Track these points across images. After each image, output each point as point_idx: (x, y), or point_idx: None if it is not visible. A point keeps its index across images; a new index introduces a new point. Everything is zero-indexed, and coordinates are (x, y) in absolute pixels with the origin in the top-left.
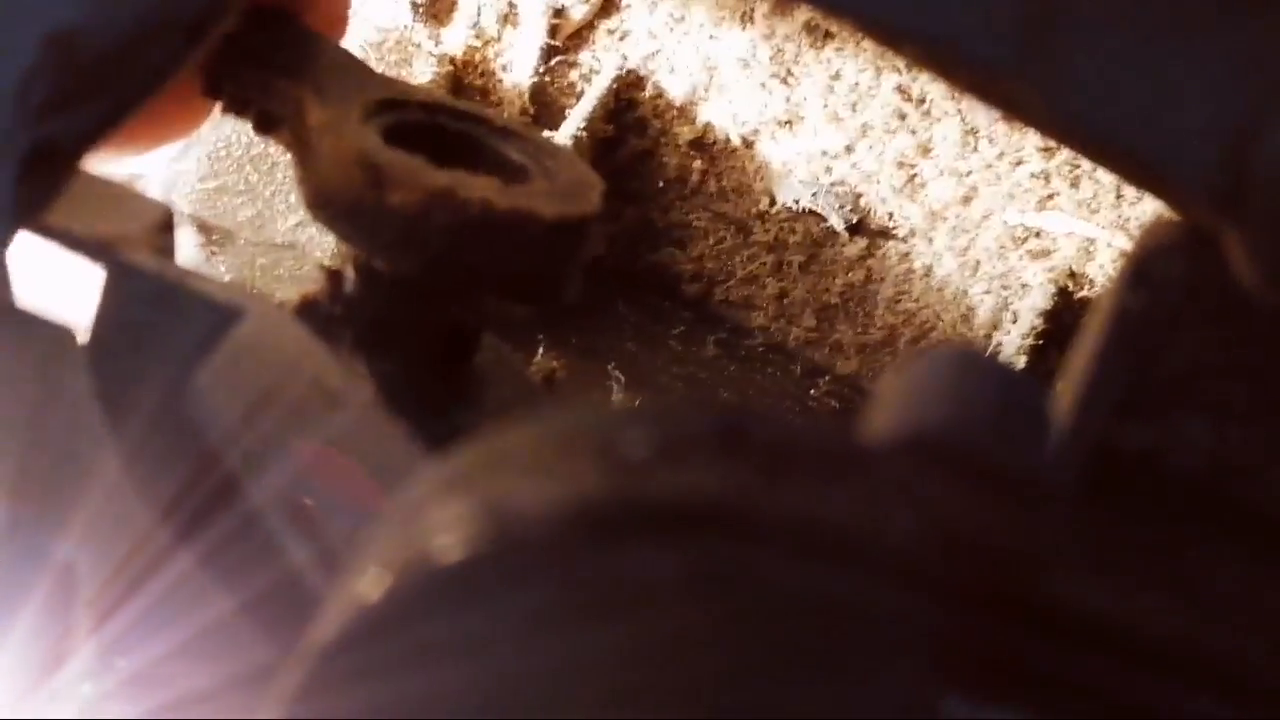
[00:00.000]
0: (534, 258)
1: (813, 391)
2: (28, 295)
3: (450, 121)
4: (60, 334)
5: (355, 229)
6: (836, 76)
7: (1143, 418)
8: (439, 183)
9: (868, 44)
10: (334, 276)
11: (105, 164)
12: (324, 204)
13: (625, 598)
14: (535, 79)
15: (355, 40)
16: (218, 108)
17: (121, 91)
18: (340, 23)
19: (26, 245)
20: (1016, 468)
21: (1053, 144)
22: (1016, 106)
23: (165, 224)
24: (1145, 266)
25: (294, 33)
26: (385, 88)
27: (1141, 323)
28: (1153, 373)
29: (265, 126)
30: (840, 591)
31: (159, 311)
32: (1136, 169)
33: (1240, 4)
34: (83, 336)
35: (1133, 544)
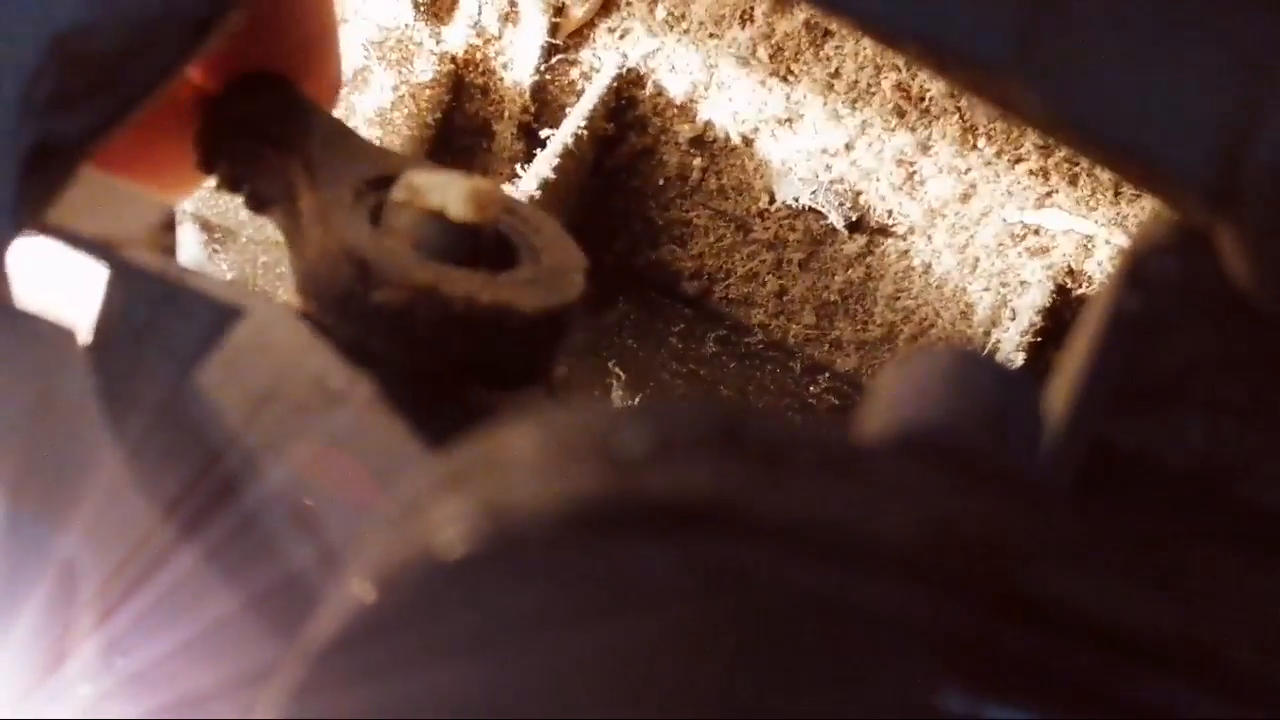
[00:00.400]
0: (516, 349)
1: (812, 388)
2: (29, 295)
3: None
4: (61, 334)
5: (342, 319)
6: (836, 74)
7: (1138, 415)
8: (424, 279)
9: (867, 42)
10: None
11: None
12: (313, 292)
13: (623, 596)
14: (536, 77)
15: (357, 39)
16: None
17: (125, 90)
18: (333, 92)
19: (29, 244)
20: (1012, 466)
21: (1051, 142)
22: (1013, 105)
23: (167, 223)
24: (1140, 266)
25: (287, 102)
26: (377, 163)
27: (1136, 322)
28: (1148, 371)
29: (258, 206)
30: (837, 589)
31: (161, 310)
32: (1132, 166)
33: (1237, 1)
34: (84, 336)
35: (1127, 541)
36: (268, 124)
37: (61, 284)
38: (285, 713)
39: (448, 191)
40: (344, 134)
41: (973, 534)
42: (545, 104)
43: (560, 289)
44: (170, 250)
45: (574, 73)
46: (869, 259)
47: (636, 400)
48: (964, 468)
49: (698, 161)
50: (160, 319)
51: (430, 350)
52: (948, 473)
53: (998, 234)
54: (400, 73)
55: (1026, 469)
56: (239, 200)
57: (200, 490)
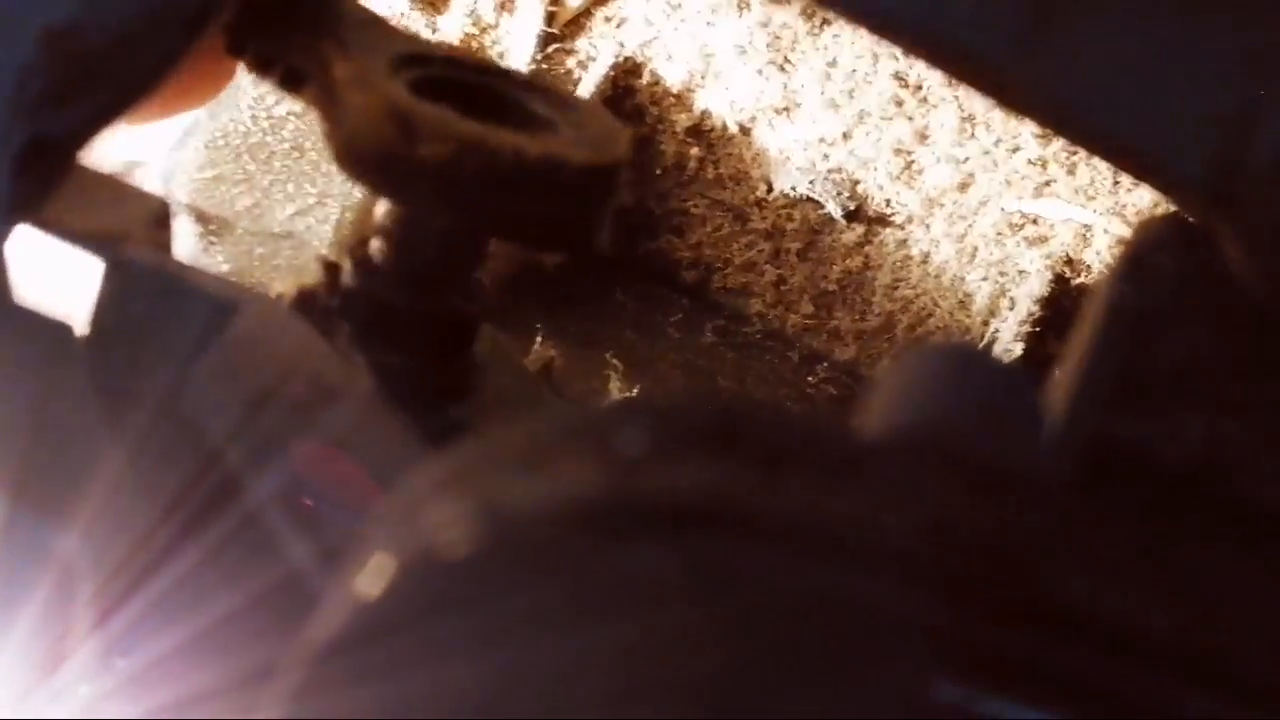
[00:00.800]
0: (565, 205)
1: (810, 379)
2: (26, 290)
3: (474, 77)
4: (59, 329)
5: (386, 181)
6: (833, 63)
7: (1137, 410)
8: (469, 133)
9: (865, 32)
10: (331, 268)
11: (133, 127)
12: (355, 157)
13: (623, 595)
14: (532, 66)
15: None
16: (241, 68)
17: (119, 86)
18: None
19: (24, 240)
20: (1011, 464)
21: (1050, 131)
22: (1011, 98)
23: (163, 217)
24: (1139, 261)
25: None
26: (409, 43)
27: (1135, 317)
28: (1147, 366)
29: (291, 84)
30: (836, 587)
31: (157, 306)
32: (1132, 162)
33: (1237, 1)
34: (81, 331)
35: (1126, 539)
36: (298, 10)
37: (58, 279)
38: (286, 713)
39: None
40: (373, 17)
41: (971, 534)
42: None
43: (607, 148)
44: (166, 245)
45: (570, 62)
46: (867, 248)
47: (634, 390)
48: (963, 467)
49: (695, 151)
50: (157, 314)
51: (476, 209)
52: (946, 472)
53: (996, 223)
54: None
55: (1025, 466)
56: (235, 191)
57: (200, 488)
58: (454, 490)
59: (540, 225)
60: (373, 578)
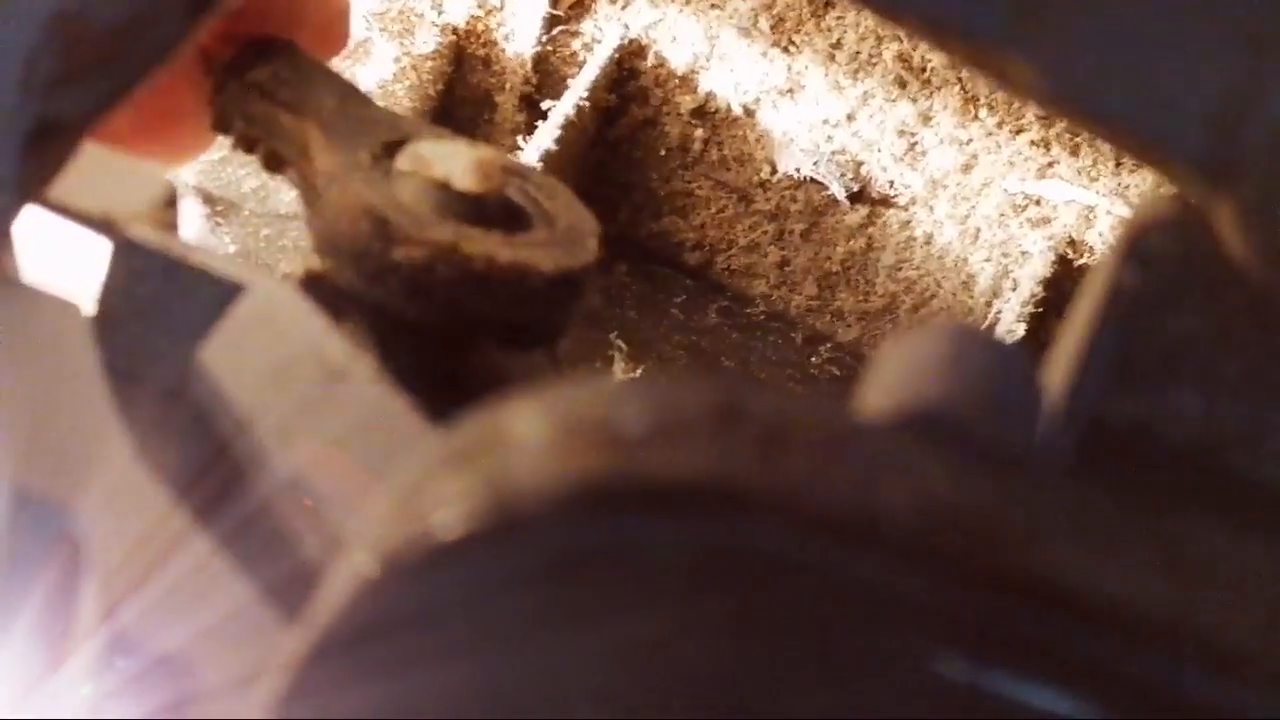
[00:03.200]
0: (534, 308)
1: (814, 359)
2: (34, 271)
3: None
4: (66, 309)
5: (361, 277)
6: (838, 45)
7: (1135, 390)
8: (443, 237)
9: (868, 13)
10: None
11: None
12: (331, 251)
13: (624, 574)
14: (537, 48)
15: (359, 11)
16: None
17: (126, 68)
18: (340, 40)
19: (31, 220)
20: (1010, 443)
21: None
22: (1011, 79)
23: (169, 198)
24: (1138, 242)
25: (301, 65)
26: (391, 128)
27: (1135, 299)
28: (1145, 346)
29: (273, 166)
30: (835, 567)
31: (164, 287)
32: (1131, 141)
33: None
34: (88, 312)
35: (1124, 518)
36: (282, 88)
37: (65, 260)
38: (287, 697)
39: (452, 162)
40: (358, 98)
41: (969, 512)
42: (547, 75)
43: (576, 251)
44: (172, 225)
45: (575, 44)
46: (870, 230)
47: (638, 371)
48: (961, 446)
49: (699, 132)
50: (163, 295)
51: (448, 310)
52: (945, 451)
53: (999, 205)
54: (401, 44)
55: (1023, 445)
56: (242, 173)
57: (209, 473)
58: (456, 469)
59: (508, 327)
60: (375, 557)
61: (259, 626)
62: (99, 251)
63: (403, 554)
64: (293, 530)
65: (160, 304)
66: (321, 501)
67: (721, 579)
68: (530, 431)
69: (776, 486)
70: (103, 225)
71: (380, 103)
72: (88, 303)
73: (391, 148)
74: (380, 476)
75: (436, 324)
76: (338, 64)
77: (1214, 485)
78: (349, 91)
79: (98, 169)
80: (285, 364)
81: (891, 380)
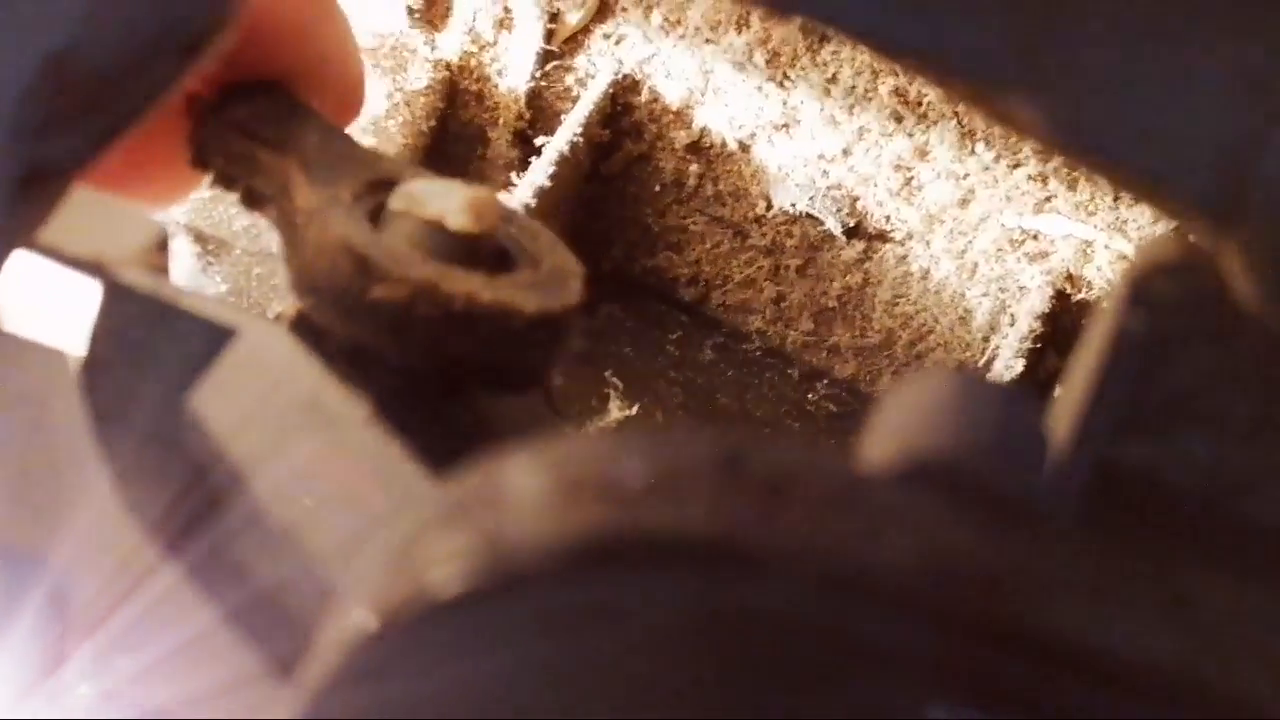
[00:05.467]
0: (515, 350)
1: (810, 395)
2: (21, 316)
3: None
4: (54, 355)
5: (340, 316)
6: (833, 80)
7: (1142, 435)
8: (424, 276)
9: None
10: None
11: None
12: (309, 290)
13: (624, 631)
14: (531, 84)
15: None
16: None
17: (118, 111)
18: (355, 105)
19: (20, 264)
20: (1014, 493)
21: None
22: (1013, 119)
23: (160, 241)
24: (1144, 285)
25: (283, 105)
26: (373, 167)
27: (1141, 342)
28: (1152, 390)
29: (252, 203)
30: (837, 622)
31: (153, 331)
32: (1135, 183)
33: (1243, 16)
34: (76, 357)
35: (1131, 569)
36: (263, 126)
37: (53, 304)
38: None
39: (446, 201)
40: (340, 138)
41: (972, 566)
42: (540, 111)
43: (560, 293)
44: (162, 269)
45: (569, 79)
46: (867, 265)
47: (634, 408)
48: (966, 497)
49: (694, 168)
50: (153, 339)
51: (428, 351)
52: (949, 503)
53: (996, 239)
54: (394, 80)
55: (1030, 495)
56: (233, 212)
57: (188, 512)
58: (453, 525)
59: (491, 369)
60: (372, 614)
61: (245, 678)
62: (89, 295)
63: (400, 610)
64: (283, 579)
65: (151, 348)
66: (321, 501)
67: (721, 634)
68: (527, 485)
69: (777, 542)
70: (93, 268)
71: (373, 138)
72: (76, 347)
73: (374, 187)
74: (375, 524)
75: (418, 366)
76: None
77: (1223, 531)
78: (331, 130)
79: (87, 212)
80: (278, 410)
81: (894, 429)
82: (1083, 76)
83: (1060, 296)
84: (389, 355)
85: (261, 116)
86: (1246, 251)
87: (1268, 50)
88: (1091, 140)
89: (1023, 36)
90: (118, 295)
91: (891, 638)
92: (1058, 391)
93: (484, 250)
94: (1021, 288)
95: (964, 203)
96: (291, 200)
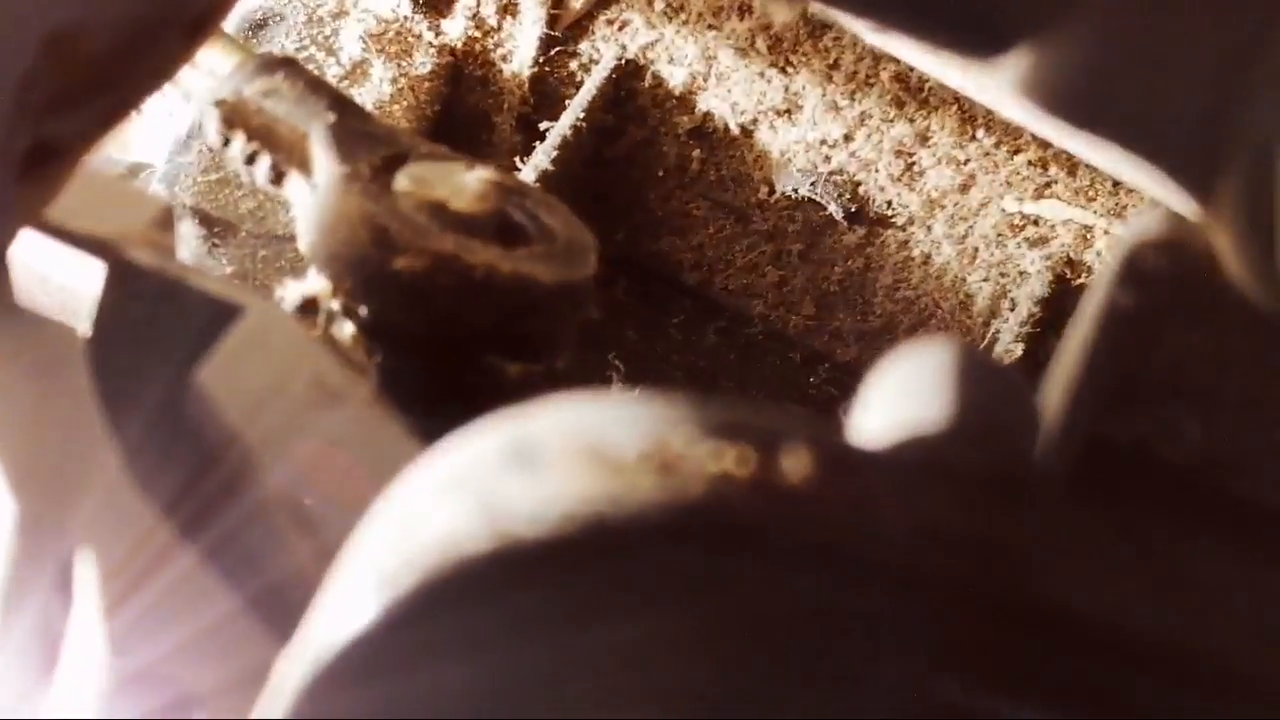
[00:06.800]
0: (535, 320)
1: (812, 379)
2: (29, 293)
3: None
4: (62, 332)
5: (360, 287)
6: (835, 65)
7: (1133, 411)
8: (445, 247)
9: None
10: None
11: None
12: (329, 261)
13: (621, 601)
14: (535, 69)
15: (356, 31)
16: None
17: (120, 90)
18: None
19: (29, 243)
20: (1007, 465)
21: None
22: (1006, 100)
23: (166, 221)
24: (1134, 261)
25: (301, 80)
26: (391, 142)
27: (1131, 317)
28: (1142, 366)
29: (275, 179)
30: (832, 593)
31: (159, 308)
32: (1124, 158)
33: (1224, 4)
34: (83, 334)
35: (1124, 542)
36: (281, 100)
37: (61, 282)
38: (290, 713)
39: (451, 183)
40: (357, 112)
41: (966, 538)
42: (544, 96)
43: (576, 264)
44: (169, 248)
45: (573, 64)
46: (868, 250)
47: (636, 392)
48: (959, 471)
49: (697, 153)
50: (159, 317)
51: (447, 321)
52: (942, 476)
53: (997, 224)
54: (399, 65)
55: (1022, 468)
56: (239, 194)
57: (200, 490)
58: (451, 492)
59: (508, 338)
60: (371, 578)
61: (249, 641)
62: (95, 273)
63: (399, 578)
64: (283, 548)
65: (156, 326)
66: (321, 501)
67: (715, 605)
68: (525, 453)
69: (771, 516)
70: (99, 247)
71: (380, 119)
72: (83, 325)
73: (391, 162)
74: (375, 499)
75: (435, 336)
76: (340, 83)
77: (1213, 506)
78: (348, 106)
79: (93, 191)
80: (281, 387)
81: (887, 403)
82: (1065, 57)
83: (1060, 281)
84: (409, 325)
85: (279, 92)
86: (1230, 225)
87: (1243, 27)
88: (1076, 119)
89: (1008, 21)
90: (123, 273)
91: (888, 610)
92: (1051, 368)
93: (491, 227)
94: (1022, 273)
95: (964, 188)
96: (311, 175)
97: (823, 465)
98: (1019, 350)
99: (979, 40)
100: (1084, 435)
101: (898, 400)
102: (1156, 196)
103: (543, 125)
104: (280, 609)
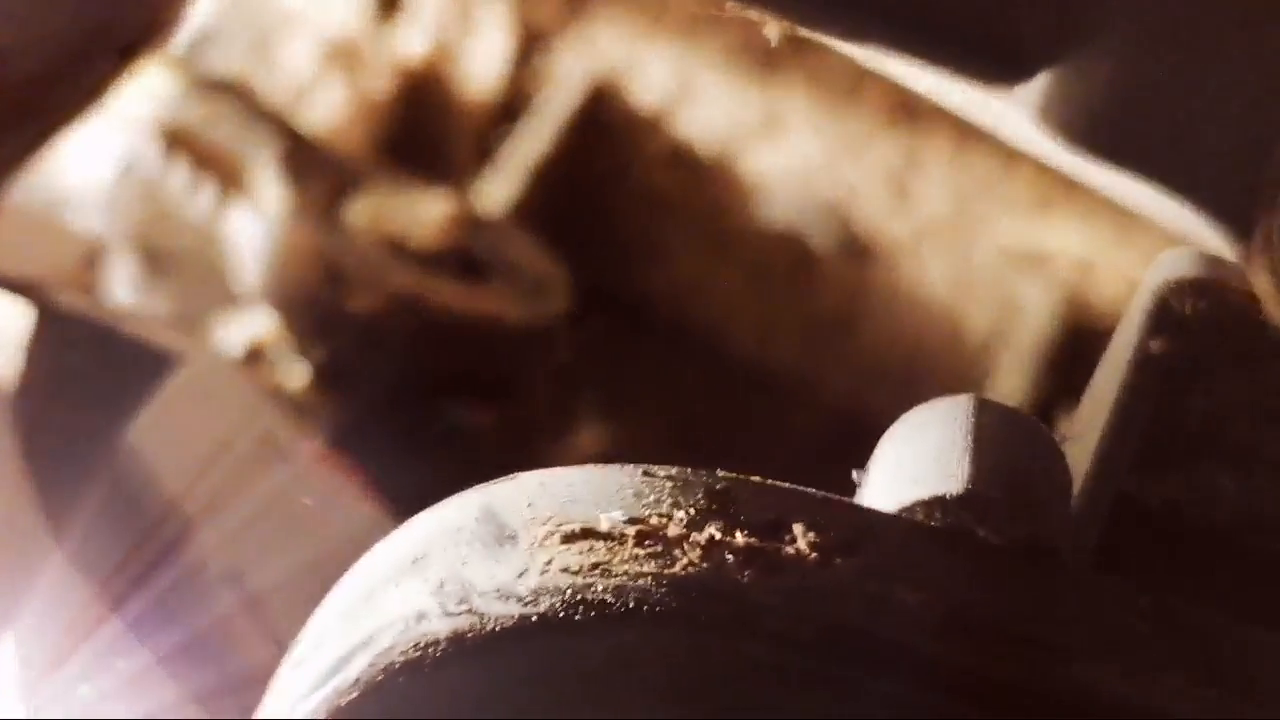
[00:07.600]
0: (500, 363)
1: (795, 417)
2: None
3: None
4: None
5: (311, 329)
6: (819, 83)
7: (1166, 468)
8: (403, 285)
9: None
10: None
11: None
12: (278, 299)
13: (598, 688)
14: (498, 89)
15: (305, 50)
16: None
17: (48, 115)
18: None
19: None
20: (1035, 533)
21: None
22: (1019, 127)
23: (96, 257)
24: (1167, 304)
25: (245, 107)
26: (344, 170)
27: (1165, 367)
28: (1175, 421)
29: (219, 211)
30: (842, 684)
31: (91, 357)
32: (1154, 192)
33: (1263, 27)
34: (7, 384)
35: (1156, 617)
36: (227, 126)
37: None
38: None
39: (408, 215)
40: (308, 138)
41: (990, 621)
42: (509, 115)
43: (544, 301)
44: (98, 288)
45: (540, 82)
46: (856, 280)
47: (611, 429)
48: (982, 539)
49: (673, 177)
50: (88, 366)
51: (407, 366)
52: (963, 546)
53: (993, 252)
54: (352, 85)
55: (1050, 536)
56: (179, 226)
57: (138, 559)
58: (411, 572)
59: (474, 384)
60: (329, 663)
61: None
62: (19, 319)
63: (360, 663)
64: (225, 619)
65: (86, 376)
66: (320, 501)
67: (710, 694)
68: (488, 531)
69: (775, 596)
70: (26, 289)
71: (332, 144)
72: (7, 375)
73: (344, 191)
74: (322, 558)
75: (394, 382)
76: (288, 105)
77: (1250, 564)
78: (303, 137)
79: (17, 227)
80: (224, 442)
81: (897, 465)
82: (1098, 90)
83: (1059, 311)
84: (365, 371)
85: (224, 117)
86: (1273, 263)
87: None
88: (1112, 151)
89: (1035, 52)
90: (49, 318)
91: (906, 697)
92: (1070, 421)
93: (453, 261)
94: (1018, 302)
95: (958, 213)
96: (260, 204)
97: (830, 535)
98: (1018, 385)
99: (997, 65)
100: (1113, 498)
101: (916, 461)
102: (1183, 233)
103: (506, 150)
104: (203, 653)
